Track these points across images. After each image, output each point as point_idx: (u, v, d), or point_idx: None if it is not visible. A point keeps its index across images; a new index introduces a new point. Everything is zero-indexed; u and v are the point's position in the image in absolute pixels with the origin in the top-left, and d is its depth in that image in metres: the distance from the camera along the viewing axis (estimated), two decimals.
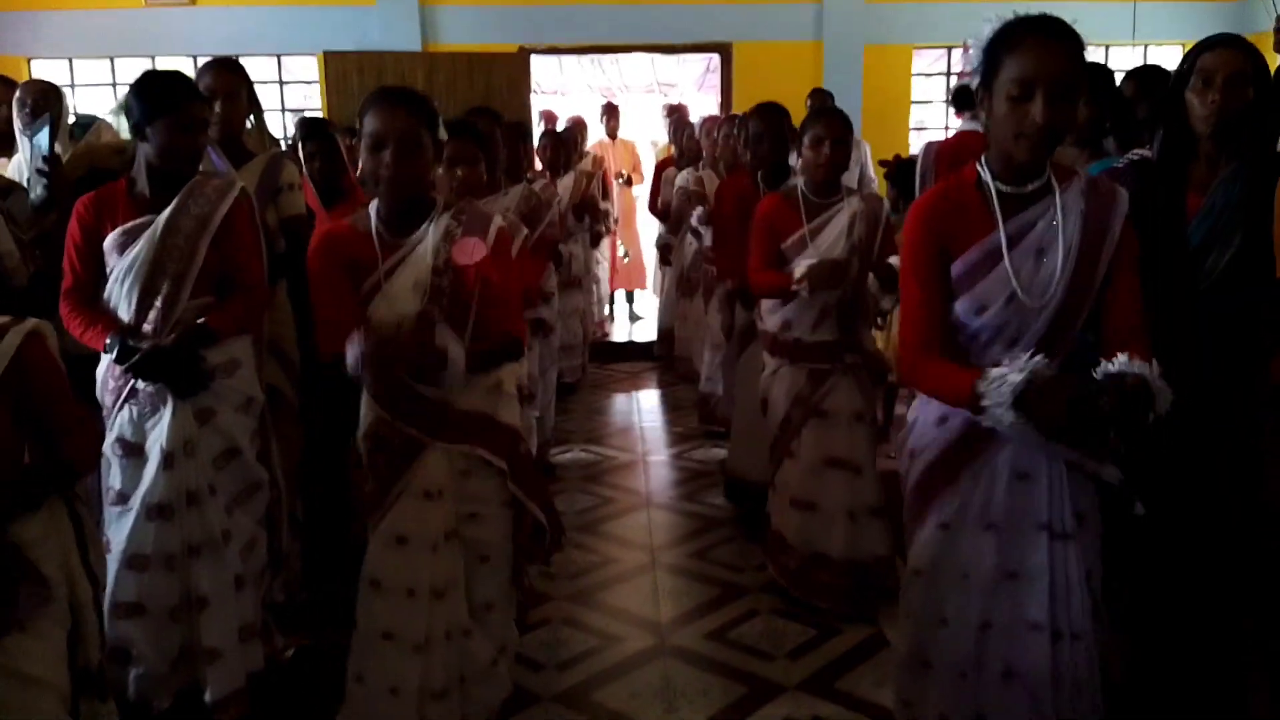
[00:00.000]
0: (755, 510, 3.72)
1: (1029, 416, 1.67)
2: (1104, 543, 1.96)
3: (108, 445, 2.52)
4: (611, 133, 8.09)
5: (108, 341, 2.42)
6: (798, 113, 3.73)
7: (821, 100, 6.02)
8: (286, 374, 3.11)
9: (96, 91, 7.97)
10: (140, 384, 2.46)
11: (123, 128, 2.78)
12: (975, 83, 1.82)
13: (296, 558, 3.13)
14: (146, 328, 2.47)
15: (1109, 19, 7.19)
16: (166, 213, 2.47)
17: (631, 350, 7.21)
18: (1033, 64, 1.71)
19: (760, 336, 3.42)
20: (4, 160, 3.70)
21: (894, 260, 4.08)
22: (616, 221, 7.47)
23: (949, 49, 8.11)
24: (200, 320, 2.48)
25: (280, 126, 7.86)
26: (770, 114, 3.67)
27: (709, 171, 5.15)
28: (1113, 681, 1.98)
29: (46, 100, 3.51)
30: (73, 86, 7.82)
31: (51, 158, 2.79)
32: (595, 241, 6.48)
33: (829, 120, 3.13)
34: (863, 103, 7.42)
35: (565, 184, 5.53)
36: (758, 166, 3.73)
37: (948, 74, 8.30)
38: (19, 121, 3.55)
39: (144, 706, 2.51)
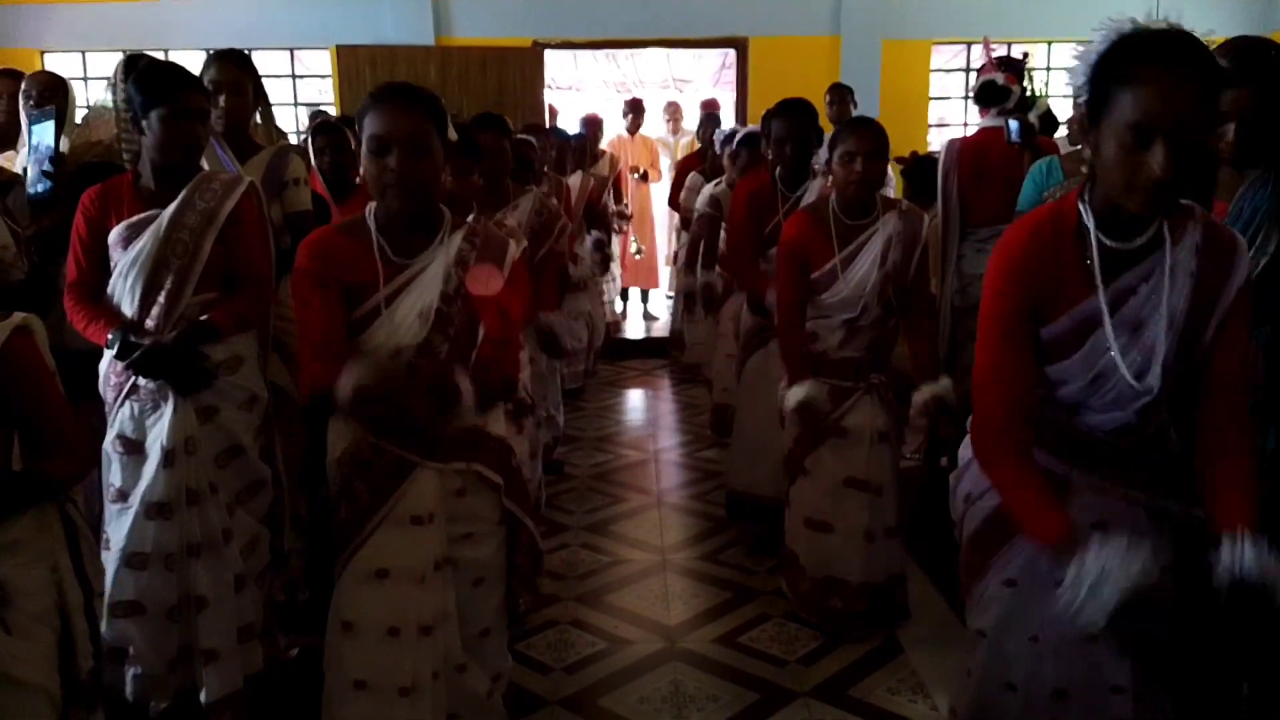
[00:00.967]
0: (762, 529, 3.61)
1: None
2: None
3: (108, 442, 2.50)
4: (633, 129, 8.02)
5: (109, 337, 2.39)
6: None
7: (840, 96, 5.93)
8: (290, 371, 3.06)
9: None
10: (141, 380, 2.43)
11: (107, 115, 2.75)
12: (1080, 103, 1.54)
13: (299, 556, 3.09)
14: (150, 323, 2.43)
15: (1129, 12, 7.06)
16: (172, 207, 2.44)
17: (644, 348, 7.16)
18: (1155, 105, 1.38)
19: None
20: (11, 153, 3.67)
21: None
22: (629, 219, 7.39)
23: (969, 44, 8.02)
24: (203, 317, 2.45)
25: (293, 121, 7.85)
26: (796, 115, 3.44)
27: (727, 190, 4.98)
28: None
29: (52, 93, 3.48)
30: (85, 79, 7.82)
31: (57, 157, 2.75)
32: (598, 250, 6.22)
33: (861, 133, 2.84)
34: (880, 98, 7.34)
35: (572, 183, 5.45)
36: (776, 166, 3.54)
37: (967, 69, 8.21)
38: (25, 114, 3.53)
39: (142, 707, 2.47)
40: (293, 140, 4.23)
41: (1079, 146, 2.98)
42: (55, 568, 1.78)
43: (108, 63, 7.98)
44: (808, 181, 3.50)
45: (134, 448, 2.47)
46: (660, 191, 7.92)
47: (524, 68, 7.63)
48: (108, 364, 2.49)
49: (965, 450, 1.82)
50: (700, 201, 4.85)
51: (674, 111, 8.45)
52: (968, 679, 1.88)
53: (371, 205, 2.02)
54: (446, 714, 2.12)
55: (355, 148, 3.68)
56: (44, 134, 2.73)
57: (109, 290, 2.46)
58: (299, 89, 8.16)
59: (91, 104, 3.52)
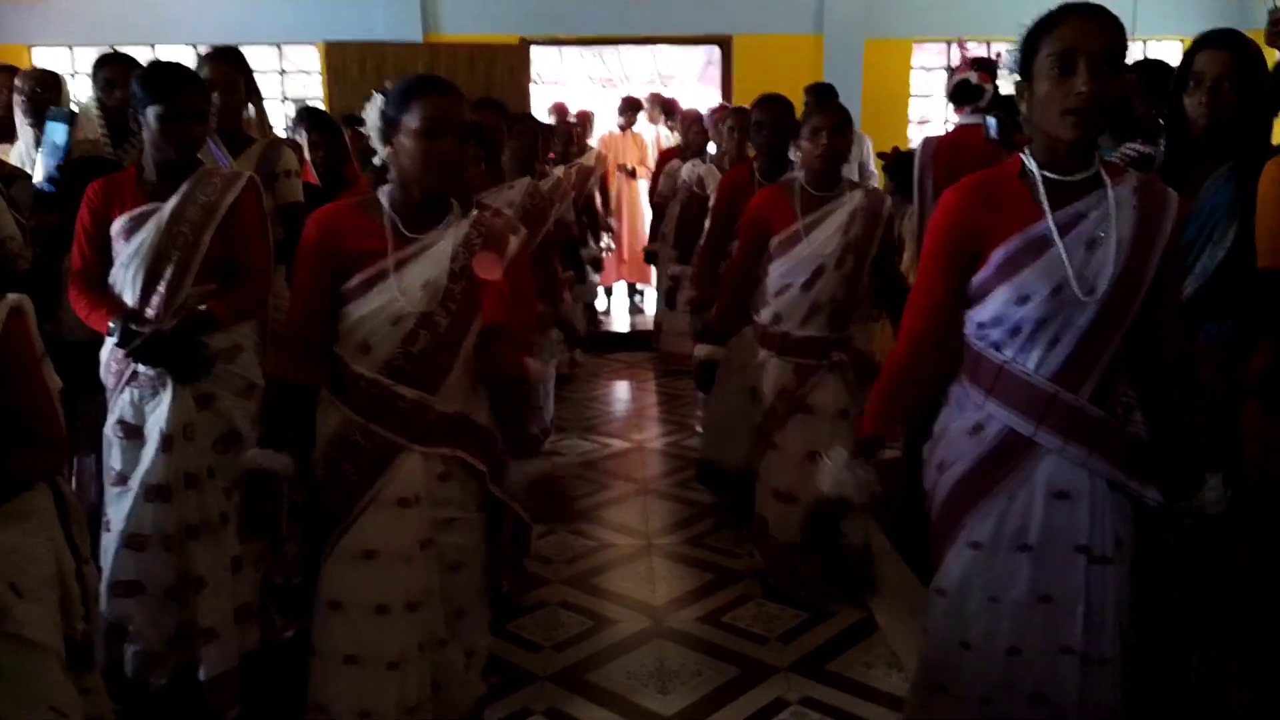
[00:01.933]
0: (733, 498, 3.75)
1: None
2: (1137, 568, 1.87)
3: (109, 426, 2.56)
4: (625, 126, 8.06)
5: (111, 325, 2.45)
6: (796, 106, 3.73)
7: (818, 95, 5.99)
8: None
9: None
10: (141, 367, 2.49)
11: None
12: (1015, 79, 1.76)
13: (295, 540, 3.16)
14: (150, 312, 2.50)
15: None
16: (173, 200, 2.50)
17: (630, 340, 7.24)
18: (1072, 35, 1.64)
19: (753, 326, 3.43)
20: (5, 146, 3.72)
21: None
22: (612, 216, 7.45)
23: (949, 43, 8.10)
24: (202, 307, 2.51)
25: (281, 116, 7.88)
26: (771, 104, 3.65)
27: (712, 167, 5.09)
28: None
29: (46, 89, 3.53)
30: (74, 74, 7.82)
31: (64, 165, 2.81)
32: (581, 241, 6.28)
33: (827, 110, 3.13)
34: (863, 97, 7.43)
35: (556, 173, 5.51)
36: (755, 155, 3.72)
37: (948, 69, 8.30)
38: (19, 110, 3.57)
39: (141, 683, 2.55)
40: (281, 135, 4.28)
41: None
42: (51, 536, 1.84)
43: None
44: (785, 175, 3.59)
45: (134, 432, 2.53)
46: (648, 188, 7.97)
47: (510, 64, 7.70)
48: (109, 351, 2.55)
49: (941, 421, 1.93)
50: (686, 172, 5.02)
51: (668, 104, 8.41)
52: (923, 641, 1.98)
53: (384, 187, 2.10)
54: (429, 686, 2.20)
55: (352, 144, 3.75)
56: (57, 133, 2.80)
57: (111, 280, 2.52)
58: (286, 85, 8.19)
59: (79, 100, 3.59)
